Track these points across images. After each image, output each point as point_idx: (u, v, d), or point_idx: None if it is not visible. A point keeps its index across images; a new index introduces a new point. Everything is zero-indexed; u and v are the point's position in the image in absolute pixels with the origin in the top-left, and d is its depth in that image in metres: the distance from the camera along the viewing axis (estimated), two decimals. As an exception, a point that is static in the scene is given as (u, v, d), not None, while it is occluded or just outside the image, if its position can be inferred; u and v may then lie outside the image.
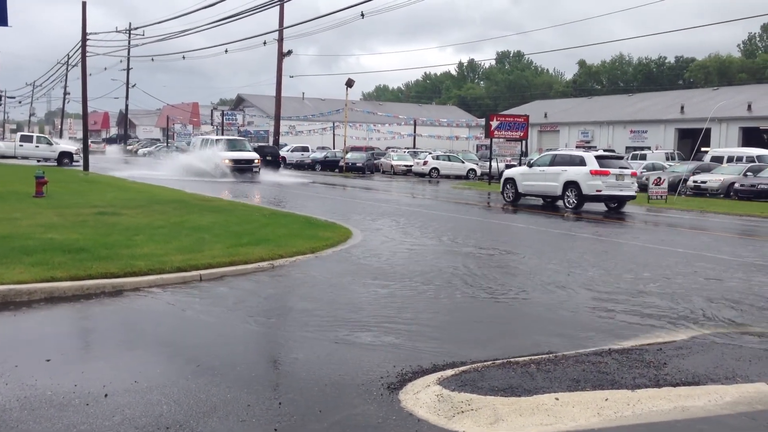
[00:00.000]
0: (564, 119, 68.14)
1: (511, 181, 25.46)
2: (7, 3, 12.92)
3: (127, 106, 73.13)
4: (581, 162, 22.79)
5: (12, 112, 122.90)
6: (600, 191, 22.20)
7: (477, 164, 46.83)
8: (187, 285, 8.96)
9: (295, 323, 7.35)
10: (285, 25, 36.16)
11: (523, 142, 39.88)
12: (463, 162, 47.00)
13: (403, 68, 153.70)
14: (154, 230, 12.60)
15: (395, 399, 5.20)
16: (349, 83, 45.22)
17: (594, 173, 22.19)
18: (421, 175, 45.69)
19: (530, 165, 25.59)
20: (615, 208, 23.34)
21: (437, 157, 47.84)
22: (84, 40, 39.27)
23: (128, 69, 68.18)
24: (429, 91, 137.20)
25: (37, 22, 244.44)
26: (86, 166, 36.67)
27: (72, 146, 47.32)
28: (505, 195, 25.71)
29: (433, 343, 6.70)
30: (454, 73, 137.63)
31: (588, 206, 23.32)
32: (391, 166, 49.33)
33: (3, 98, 66.50)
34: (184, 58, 42.53)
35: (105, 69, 64.77)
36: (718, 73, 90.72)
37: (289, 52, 37.71)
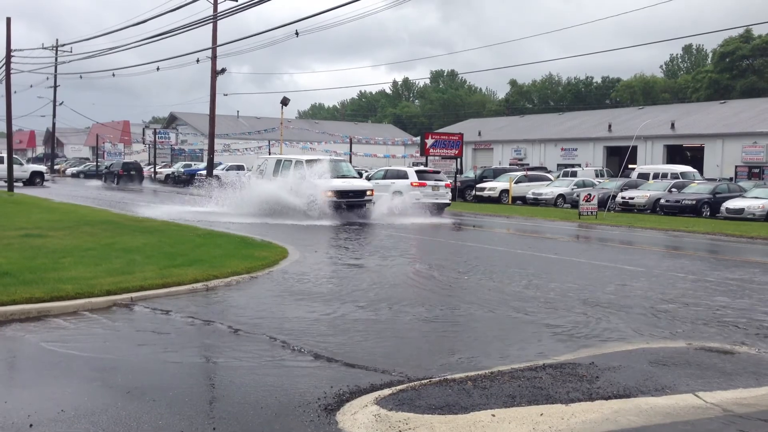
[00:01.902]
0: (498, 137, 69.36)
1: None
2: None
3: (54, 124, 71.16)
4: (405, 176, 27.41)
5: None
6: (419, 199, 26.02)
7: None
8: (117, 309, 8.71)
9: (230, 346, 7.22)
10: (218, 42, 35.80)
11: (458, 159, 40.42)
12: (399, 180, 47.24)
13: (339, 87, 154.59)
14: (83, 252, 12.23)
15: (332, 420, 5.15)
16: (284, 101, 45.08)
17: (414, 185, 26.44)
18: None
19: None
20: (435, 213, 26.63)
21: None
22: (8, 56, 38.02)
23: (55, 86, 66.49)
24: (364, 109, 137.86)
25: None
26: (11, 187, 35.43)
27: (42, 166, 46.94)
28: None
29: (371, 362, 6.67)
30: (389, 91, 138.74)
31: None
32: (328, 184, 49.13)
33: None
34: (113, 75, 41.84)
35: (31, 86, 63.27)
36: (642, 92, 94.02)
37: (223, 70, 37.29)
